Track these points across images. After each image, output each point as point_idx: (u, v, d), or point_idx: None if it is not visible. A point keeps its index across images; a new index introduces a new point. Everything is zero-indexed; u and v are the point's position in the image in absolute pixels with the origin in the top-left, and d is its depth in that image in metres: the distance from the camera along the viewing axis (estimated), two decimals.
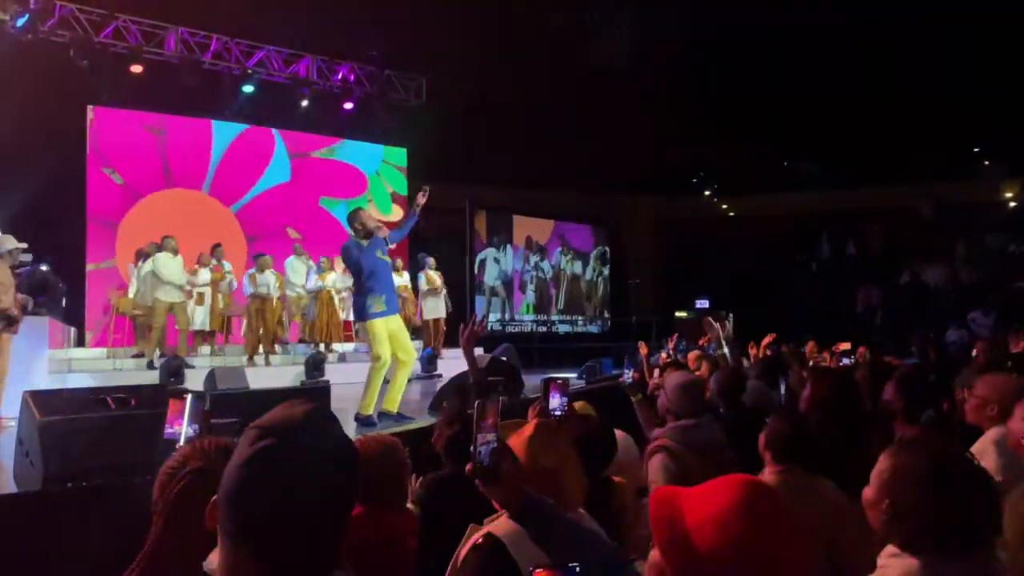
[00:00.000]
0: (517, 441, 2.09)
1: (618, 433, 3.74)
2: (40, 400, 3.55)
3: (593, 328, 20.47)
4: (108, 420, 3.56)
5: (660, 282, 22.38)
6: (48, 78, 12.39)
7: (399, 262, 12.21)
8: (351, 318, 13.35)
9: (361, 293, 6.33)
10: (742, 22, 13.75)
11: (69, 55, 12.42)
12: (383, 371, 6.35)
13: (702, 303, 23.43)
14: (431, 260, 13.23)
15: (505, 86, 14.61)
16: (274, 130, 15.20)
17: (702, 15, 13.64)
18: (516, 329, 18.43)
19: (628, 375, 5.68)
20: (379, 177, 16.52)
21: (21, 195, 11.94)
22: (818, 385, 3.59)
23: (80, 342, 12.53)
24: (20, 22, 11.08)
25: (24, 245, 9.69)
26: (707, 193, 23.39)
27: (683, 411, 3.50)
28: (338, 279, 12.25)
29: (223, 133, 14.71)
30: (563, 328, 19.75)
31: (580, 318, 20.29)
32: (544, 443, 2.08)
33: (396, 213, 16.13)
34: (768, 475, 2.80)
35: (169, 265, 10.45)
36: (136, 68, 13.07)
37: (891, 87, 15.64)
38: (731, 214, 23.59)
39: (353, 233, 6.46)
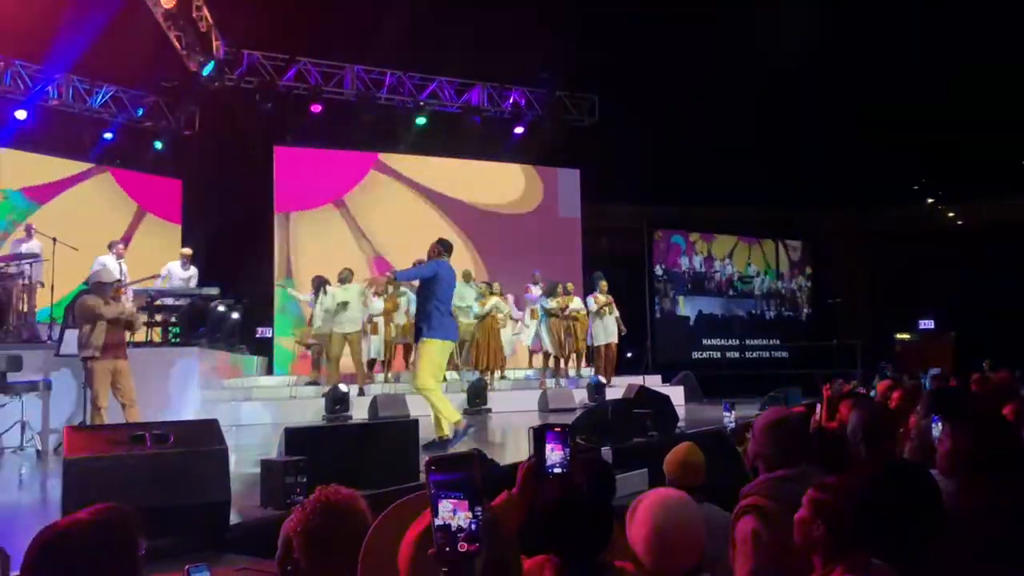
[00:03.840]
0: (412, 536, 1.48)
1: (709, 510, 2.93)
2: (75, 436, 3.39)
3: (783, 353, 18.71)
4: (135, 459, 3.32)
5: (869, 301, 20.11)
6: (238, 122, 13.32)
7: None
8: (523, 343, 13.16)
9: None
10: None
11: (256, 99, 13.21)
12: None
13: (926, 324, 20.87)
14: (603, 282, 12.58)
15: (680, 100, 13.85)
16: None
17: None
18: (702, 355, 17.25)
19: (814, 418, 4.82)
20: None
21: (216, 231, 12.83)
22: (959, 435, 2.58)
23: (269, 371, 13.17)
24: (207, 71, 11.90)
25: (215, 291, 10.32)
26: (930, 200, 20.88)
27: (775, 459, 2.67)
28: (499, 305, 11.95)
29: (392, 165, 15.06)
30: (755, 354, 18.23)
31: (772, 342, 18.65)
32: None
33: None
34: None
35: (342, 296, 10.65)
36: (316, 108, 13.68)
37: None
38: (959, 223, 20.84)
39: None
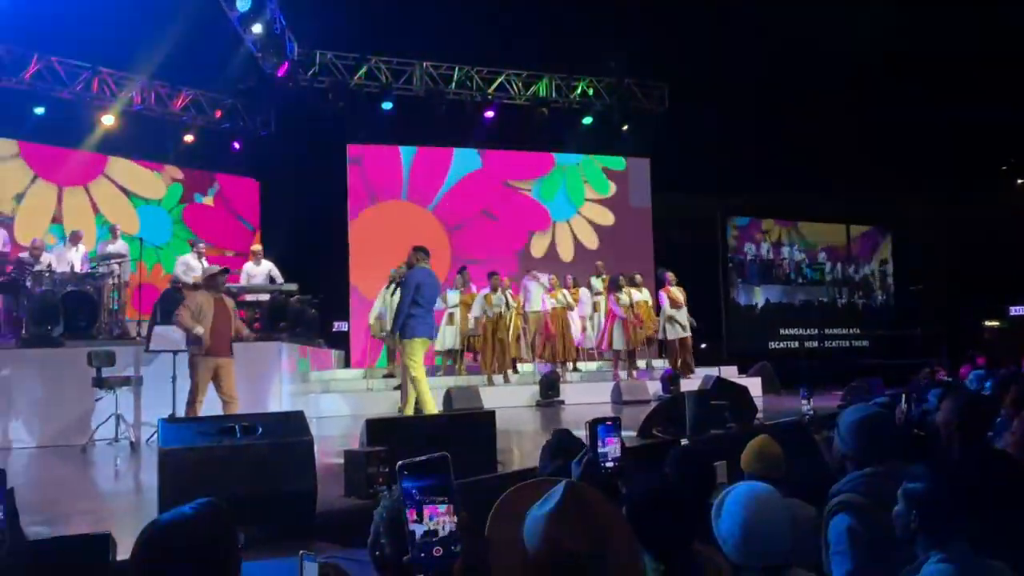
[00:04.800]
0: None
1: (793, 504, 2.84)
2: (169, 428, 3.53)
3: (864, 343, 18.09)
4: (227, 451, 3.44)
5: (952, 288, 19.27)
6: (311, 121, 13.62)
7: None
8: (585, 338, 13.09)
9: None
10: None
11: (328, 99, 13.46)
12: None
13: (1018, 310, 19.96)
14: (669, 274, 12.41)
15: (751, 85, 13.55)
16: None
17: None
18: (780, 345, 16.86)
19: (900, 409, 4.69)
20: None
21: (292, 228, 13.14)
22: None
23: (347, 363, 13.45)
24: (281, 72, 12.19)
25: (294, 287, 10.60)
26: (1020, 182, 19.92)
27: (864, 455, 2.59)
28: (567, 298, 11.95)
29: (462, 160, 15.15)
30: (833, 343, 17.69)
31: (852, 331, 18.06)
32: (573, 522, 1.47)
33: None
34: None
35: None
36: (387, 105, 13.87)
37: None
38: None
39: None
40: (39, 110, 12.41)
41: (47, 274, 8.96)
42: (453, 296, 11.99)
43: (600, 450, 2.50)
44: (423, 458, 1.41)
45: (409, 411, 7.72)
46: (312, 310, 10.32)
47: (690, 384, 11.36)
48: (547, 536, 1.54)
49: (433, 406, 7.65)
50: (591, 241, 15.61)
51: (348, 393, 10.86)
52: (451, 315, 11.99)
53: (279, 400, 8.10)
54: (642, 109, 15.56)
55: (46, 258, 9.53)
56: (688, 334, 12.16)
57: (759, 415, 7.78)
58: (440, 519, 1.35)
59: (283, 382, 8.41)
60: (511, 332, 11.78)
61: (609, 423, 2.56)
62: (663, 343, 12.51)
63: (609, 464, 2.45)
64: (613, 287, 11.87)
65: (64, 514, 4.19)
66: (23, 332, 8.18)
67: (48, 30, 11.50)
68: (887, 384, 10.34)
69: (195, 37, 11.39)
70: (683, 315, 12.13)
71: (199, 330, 6.61)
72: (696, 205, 15.94)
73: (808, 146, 14.92)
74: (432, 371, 12.18)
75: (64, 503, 4.59)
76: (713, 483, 3.00)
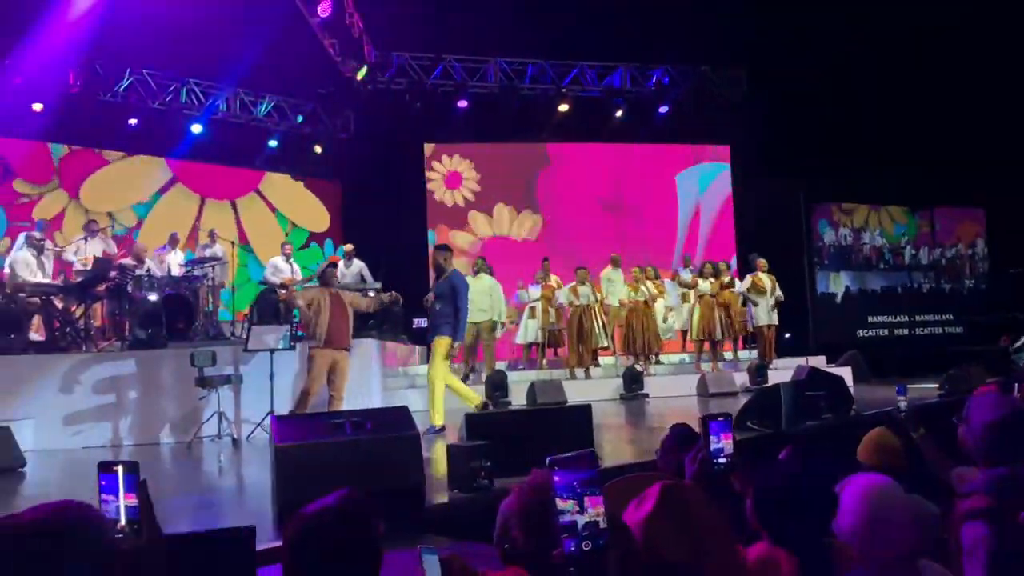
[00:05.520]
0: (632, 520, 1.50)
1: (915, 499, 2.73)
2: (281, 424, 3.65)
3: (957, 329, 17.34)
4: (339, 446, 3.54)
5: None
6: (390, 122, 13.84)
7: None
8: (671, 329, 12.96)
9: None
10: None
11: (405, 99, 13.67)
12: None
13: None
14: (760, 260, 12.16)
15: (831, 65, 13.14)
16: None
17: None
18: (868, 333, 16.34)
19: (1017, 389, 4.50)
20: None
21: (373, 228, 13.39)
22: None
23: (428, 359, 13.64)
24: (360, 75, 12.42)
25: (379, 284, 10.82)
26: None
27: (995, 455, 2.49)
28: (652, 290, 11.84)
29: (533, 154, 15.19)
30: (925, 330, 17.03)
31: (943, 317, 17.35)
32: (669, 528, 1.47)
33: None
34: None
35: (473, 287, 10.87)
36: (462, 103, 13.99)
37: None
38: None
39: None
40: (132, 121, 13.01)
41: (147, 278, 9.36)
42: (535, 291, 12.06)
43: (713, 446, 2.49)
44: (572, 454, 1.44)
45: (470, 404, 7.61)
46: (397, 308, 10.49)
47: (777, 376, 11.18)
48: (643, 542, 1.54)
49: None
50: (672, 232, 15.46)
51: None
52: (532, 309, 12.06)
53: (373, 396, 8.29)
54: (719, 96, 15.28)
55: (148, 263, 9.97)
56: (774, 323, 11.91)
57: (854, 406, 7.59)
58: (598, 510, 1.39)
59: (377, 379, 8.60)
60: (594, 325, 11.75)
61: (722, 419, 2.54)
62: (749, 333, 12.27)
63: (722, 460, 2.43)
64: (697, 277, 11.82)
65: (182, 507, 4.39)
66: (127, 335, 8.56)
67: (139, 45, 11.98)
68: (988, 372, 9.94)
69: (276, 44, 11.71)
70: (768, 303, 11.88)
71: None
72: (778, 192, 15.56)
73: (891, 126, 14.41)
74: (513, 365, 12.30)
75: (180, 497, 4.80)
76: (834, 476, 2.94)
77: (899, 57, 13.67)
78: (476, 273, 11.03)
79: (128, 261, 9.63)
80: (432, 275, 9.36)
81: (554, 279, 12.31)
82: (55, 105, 12.03)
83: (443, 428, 7.35)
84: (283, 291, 9.26)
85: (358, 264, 11.16)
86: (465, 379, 10.84)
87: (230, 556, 1.97)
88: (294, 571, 1.60)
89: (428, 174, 14.63)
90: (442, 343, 7.48)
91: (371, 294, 9.16)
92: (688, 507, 1.66)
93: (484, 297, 10.90)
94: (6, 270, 9.21)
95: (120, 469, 1.61)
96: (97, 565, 1.33)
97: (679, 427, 3.08)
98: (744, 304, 12.13)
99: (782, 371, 11.20)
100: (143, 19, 11.07)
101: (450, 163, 14.82)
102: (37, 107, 11.96)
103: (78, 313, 8.88)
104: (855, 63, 13.67)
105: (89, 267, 9.38)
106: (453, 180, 14.77)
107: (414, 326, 14.31)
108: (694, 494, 1.88)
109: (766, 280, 11.95)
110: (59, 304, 8.94)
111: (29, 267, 9.01)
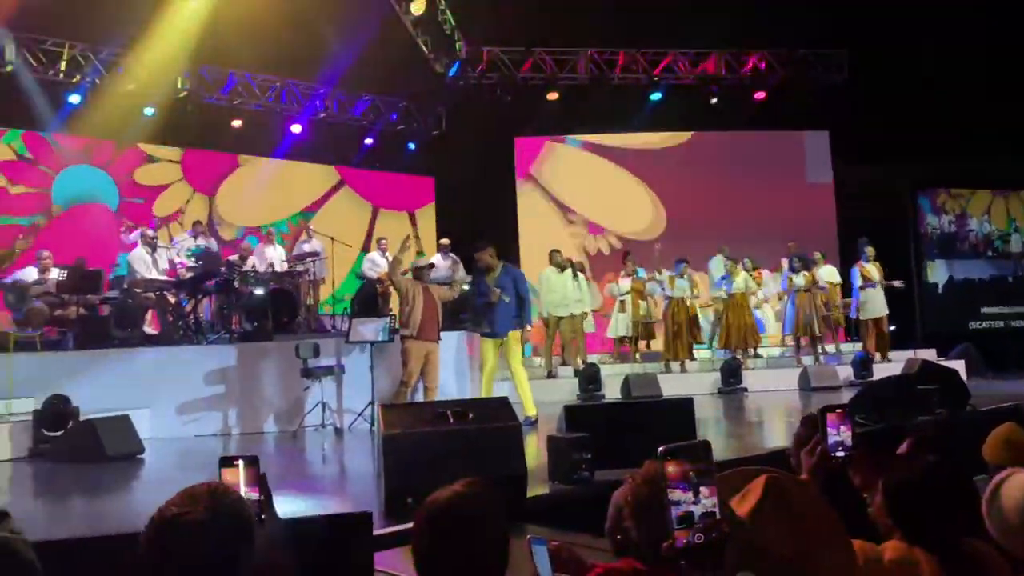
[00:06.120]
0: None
1: None
2: (387, 413, 3.72)
3: None
4: (443, 436, 3.59)
5: None
6: (481, 117, 13.94)
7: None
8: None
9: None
10: None
11: (496, 94, 13.73)
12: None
13: None
14: (869, 248, 11.69)
15: (932, 47, 12.48)
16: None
17: None
18: (981, 324, 15.49)
19: None
20: None
21: (465, 222, 13.52)
22: None
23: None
24: (452, 71, 12.55)
25: (469, 278, 10.92)
26: None
27: None
28: (748, 282, 11.54)
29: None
30: None
31: None
32: (774, 522, 1.42)
33: None
34: None
35: (552, 280, 10.81)
36: (552, 96, 13.97)
37: None
38: None
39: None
40: (236, 123, 13.53)
41: (252, 274, 9.73)
42: (624, 283, 11.93)
43: (832, 439, 2.40)
44: (686, 443, 1.42)
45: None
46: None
47: (886, 370, 10.73)
48: (749, 536, 1.50)
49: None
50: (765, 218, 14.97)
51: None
52: (622, 303, 11.93)
53: (468, 388, 8.39)
54: (819, 79, 14.73)
55: (251, 260, 10.36)
56: (883, 314, 11.44)
57: (970, 401, 7.22)
58: (713, 500, 1.37)
59: (470, 370, 8.70)
60: (690, 317, 11.56)
61: (841, 410, 2.45)
62: (855, 324, 11.83)
63: (840, 454, 2.34)
64: (790, 268, 11.47)
65: (292, 494, 4.53)
66: (235, 328, 8.93)
67: (242, 48, 12.40)
68: None
69: (371, 44, 11.93)
70: (877, 294, 11.42)
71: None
72: (881, 178, 14.93)
73: (997, 108, 13.58)
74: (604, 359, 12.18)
75: (291, 483, 4.96)
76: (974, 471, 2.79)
77: (1007, 35, 12.84)
78: (558, 267, 10.98)
79: (234, 258, 10.03)
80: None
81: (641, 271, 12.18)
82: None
83: (536, 420, 7.42)
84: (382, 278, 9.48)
85: (452, 258, 11.30)
86: (549, 375, 10.88)
87: (349, 541, 2.02)
88: (427, 555, 1.63)
89: (518, 167, 14.66)
90: (516, 336, 7.69)
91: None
92: (793, 500, 1.61)
93: (566, 291, 10.87)
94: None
95: (241, 464, 1.66)
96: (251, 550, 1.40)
97: (809, 418, 2.98)
98: (847, 296, 11.71)
99: (888, 365, 10.76)
100: (245, 25, 11.45)
101: (540, 156, 14.82)
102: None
103: (189, 307, 9.30)
104: (957, 43, 12.91)
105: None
106: (542, 172, 14.76)
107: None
108: (800, 487, 1.81)
109: (872, 269, 11.50)
110: (171, 299, 9.40)
111: (145, 264, 9.48)
